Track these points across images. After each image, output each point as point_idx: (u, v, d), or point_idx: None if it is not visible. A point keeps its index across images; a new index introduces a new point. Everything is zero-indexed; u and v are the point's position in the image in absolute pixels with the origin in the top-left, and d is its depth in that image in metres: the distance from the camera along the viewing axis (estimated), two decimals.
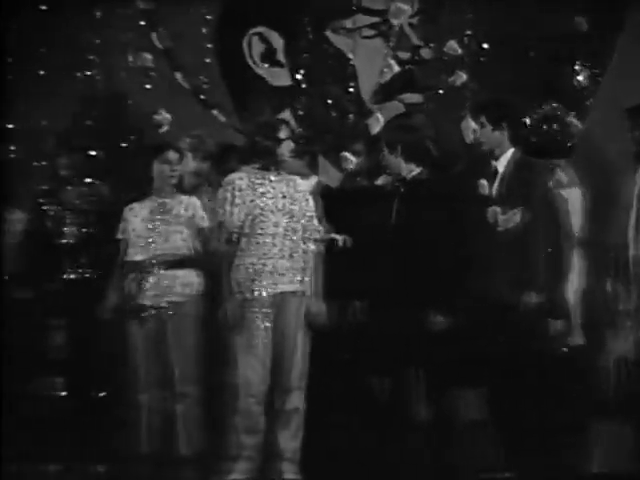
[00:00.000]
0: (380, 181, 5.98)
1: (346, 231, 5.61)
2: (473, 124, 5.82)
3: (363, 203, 5.77)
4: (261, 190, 5.25)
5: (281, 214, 5.24)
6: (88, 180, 6.11)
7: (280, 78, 7.34)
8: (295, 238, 5.25)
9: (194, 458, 5.33)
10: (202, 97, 7.27)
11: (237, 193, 5.23)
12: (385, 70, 6.96)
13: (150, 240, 5.39)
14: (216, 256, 5.28)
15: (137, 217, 5.47)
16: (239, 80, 7.37)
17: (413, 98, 7.10)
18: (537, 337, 5.44)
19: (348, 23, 7.23)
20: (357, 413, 5.67)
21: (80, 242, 6.00)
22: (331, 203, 5.59)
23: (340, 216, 5.60)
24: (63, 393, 6.20)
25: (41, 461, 5.76)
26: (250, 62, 7.36)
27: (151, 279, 5.36)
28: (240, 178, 5.27)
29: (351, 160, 6.22)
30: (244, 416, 5.13)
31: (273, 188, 5.27)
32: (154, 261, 5.35)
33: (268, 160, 5.28)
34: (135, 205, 5.51)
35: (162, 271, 5.35)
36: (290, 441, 5.19)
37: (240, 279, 5.20)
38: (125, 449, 5.52)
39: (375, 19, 7.18)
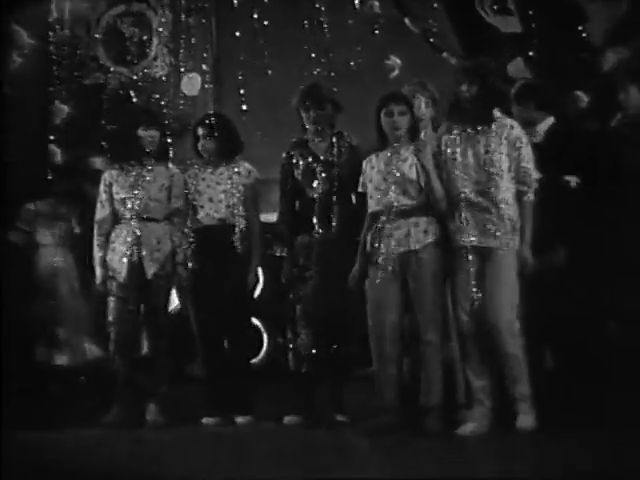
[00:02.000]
0: (614, 123, 5.84)
1: (574, 174, 5.47)
2: None
3: (595, 145, 5.65)
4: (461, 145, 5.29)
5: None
6: (335, 131, 5.94)
7: (510, 25, 7.32)
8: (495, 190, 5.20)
9: (435, 408, 5.29)
10: (431, 40, 7.35)
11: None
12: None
13: (385, 190, 5.40)
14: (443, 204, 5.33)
15: (374, 169, 5.49)
16: (469, 28, 7.43)
17: None
18: None
19: None
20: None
21: (326, 195, 5.86)
22: (563, 145, 5.49)
23: (569, 158, 5.47)
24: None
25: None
26: (481, 11, 7.39)
27: (389, 228, 5.38)
28: (454, 131, 5.33)
29: (583, 99, 6.11)
30: (475, 360, 5.22)
31: (478, 142, 5.26)
32: (392, 210, 5.37)
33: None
34: (372, 157, 5.54)
35: (400, 220, 5.36)
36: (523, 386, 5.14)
37: None
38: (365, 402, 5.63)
39: None
